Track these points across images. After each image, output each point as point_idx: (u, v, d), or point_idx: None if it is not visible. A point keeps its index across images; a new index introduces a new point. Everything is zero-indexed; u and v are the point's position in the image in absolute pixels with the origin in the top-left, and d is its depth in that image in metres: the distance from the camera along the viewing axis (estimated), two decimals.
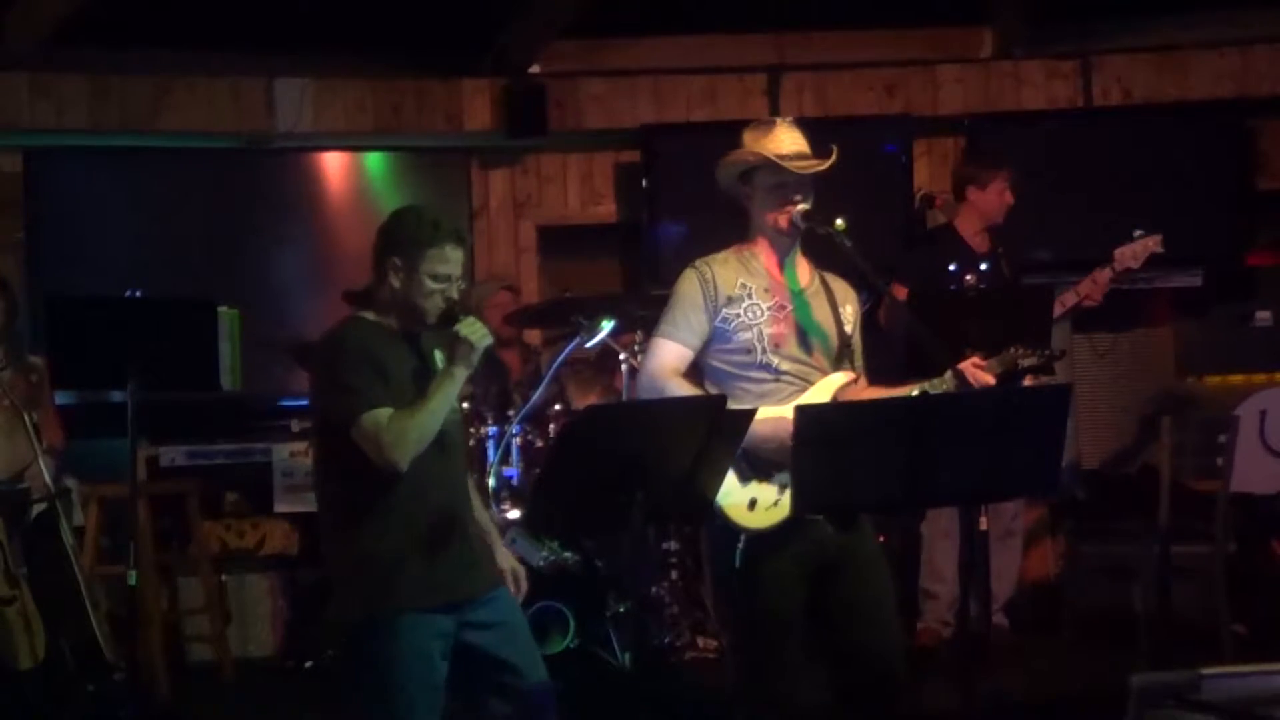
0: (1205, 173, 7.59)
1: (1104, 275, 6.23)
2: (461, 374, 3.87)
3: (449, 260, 3.92)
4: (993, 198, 6.59)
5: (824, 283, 4.30)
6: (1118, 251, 6.21)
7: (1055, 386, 4.74)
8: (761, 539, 4.06)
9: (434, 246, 3.91)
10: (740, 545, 4.05)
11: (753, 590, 4.09)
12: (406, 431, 3.79)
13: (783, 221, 4.18)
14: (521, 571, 4.22)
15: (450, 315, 3.89)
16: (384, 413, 3.81)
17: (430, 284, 3.91)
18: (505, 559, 4.20)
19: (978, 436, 3.64)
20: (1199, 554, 6.12)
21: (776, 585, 4.07)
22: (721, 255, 4.25)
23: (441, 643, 3.92)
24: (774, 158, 4.16)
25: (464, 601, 3.95)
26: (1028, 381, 5.17)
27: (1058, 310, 6.27)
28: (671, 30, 7.88)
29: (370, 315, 4.02)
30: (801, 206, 4.17)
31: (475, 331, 3.85)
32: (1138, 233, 6.23)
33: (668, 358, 4.17)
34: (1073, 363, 7.69)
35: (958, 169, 6.87)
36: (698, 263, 4.24)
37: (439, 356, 4.00)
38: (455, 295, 3.94)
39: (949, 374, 4.12)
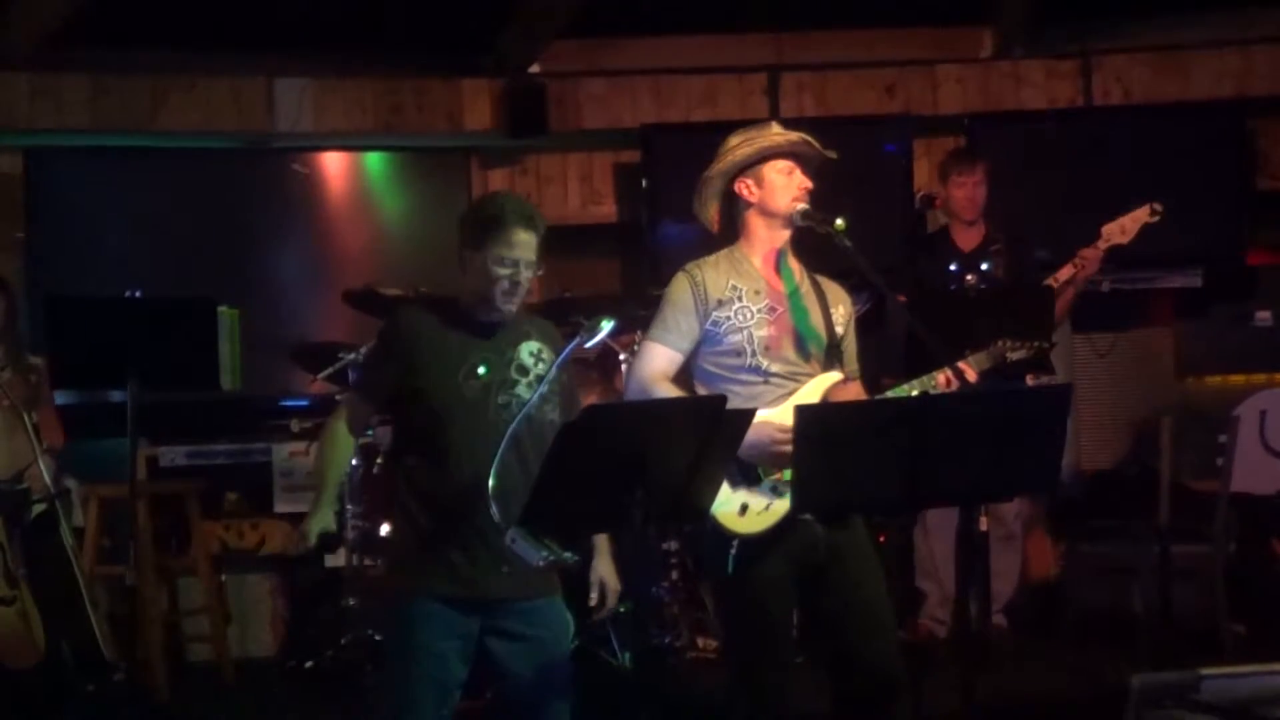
0: (1205, 173, 7.58)
1: (1095, 250, 6.17)
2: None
3: (515, 244, 3.93)
4: (953, 192, 6.62)
5: (815, 284, 4.29)
6: (1105, 227, 6.16)
7: (1056, 386, 4.74)
8: (754, 544, 4.05)
9: (499, 230, 3.93)
10: (733, 551, 4.05)
11: (744, 593, 4.08)
12: (322, 439, 4.12)
13: (796, 205, 4.17)
14: (611, 586, 4.17)
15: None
16: (345, 408, 4.13)
17: (497, 270, 3.93)
18: (600, 568, 4.17)
19: (978, 436, 3.64)
20: (1199, 554, 6.12)
21: (767, 588, 4.06)
22: (713, 258, 4.24)
23: (461, 644, 3.94)
24: (791, 142, 4.17)
25: (494, 602, 3.95)
26: (1029, 381, 5.17)
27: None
28: (671, 30, 7.88)
29: (452, 300, 4.08)
30: (801, 206, 4.17)
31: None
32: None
33: (657, 362, 4.17)
34: (1073, 363, 7.70)
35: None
36: (689, 266, 4.23)
37: (528, 351, 4.03)
38: (523, 279, 3.96)
39: (932, 379, 4.14)
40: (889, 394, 4.20)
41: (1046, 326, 5.77)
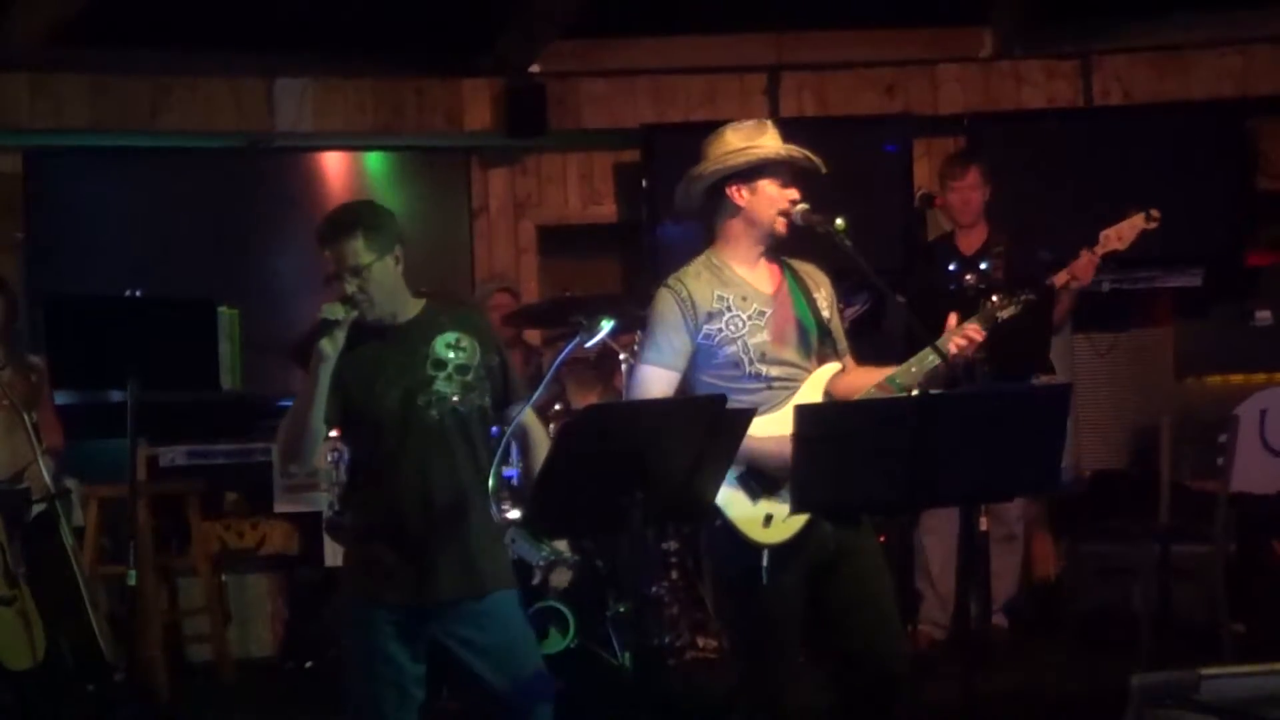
0: (1205, 173, 7.59)
1: (1090, 257, 6.14)
2: (324, 350, 3.85)
3: (334, 258, 3.94)
4: (949, 197, 6.61)
5: (795, 273, 4.26)
6: (1103, 233, 6.15)
7: (1055, 386, 4.74)
8: (782, 551, 4.04)
9: (320, 248, 3.98)
10: (764, 563, 4.02)
11: (775, 600, 4.06)
12: (281, 430, 3.99)
13: (781, 226, 4.15)
14: None
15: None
16: None
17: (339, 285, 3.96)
18: None
19: (978, 436, 3.64)
20: (1199, 554, 6.11)
21: (780, 589, 4.05)
22: (692, 268, 4.19)
23: (410, 647, 3.97)
24: (793, 156, 4.14)
25: (440, 606, 3.97)
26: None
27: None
28: (671, 30, 7.88)
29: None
30: (801, 206, 4.15)
31: (328, 309, 3.87)
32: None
33: (654, 386, 4.11)
34: (1073, 363, 7.69)
35: None
36: (671, 281, 4.18)
37: (444, 344, 4.02)
38: (353, 290, 3.92)
39: (930, 355, 4.10)
40: (888, 378, 4.17)
41: (1045, 326, 5.76)
